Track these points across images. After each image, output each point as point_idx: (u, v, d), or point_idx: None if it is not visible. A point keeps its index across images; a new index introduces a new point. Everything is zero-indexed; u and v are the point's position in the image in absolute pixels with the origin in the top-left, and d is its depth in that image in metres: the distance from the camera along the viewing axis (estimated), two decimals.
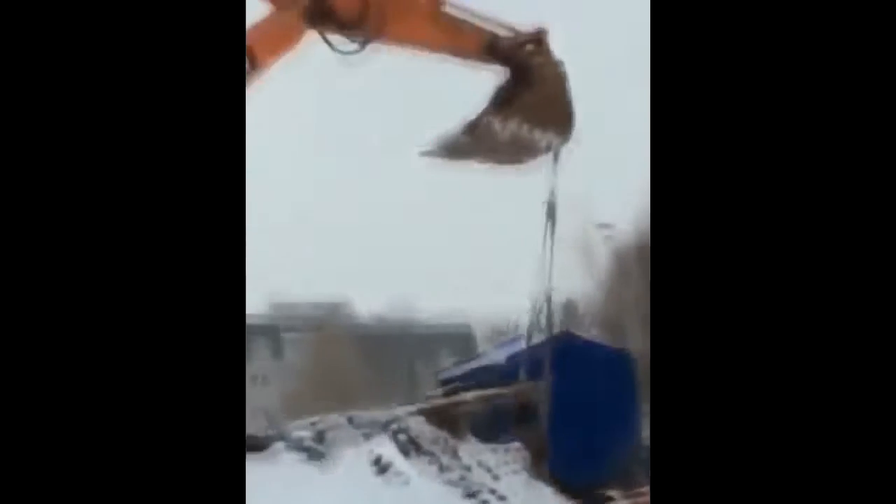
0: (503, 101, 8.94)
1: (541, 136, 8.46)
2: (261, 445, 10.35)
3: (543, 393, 14.33)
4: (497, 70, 9.38)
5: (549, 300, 11.65)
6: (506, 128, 8.23)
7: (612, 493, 13.09)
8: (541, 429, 13.55)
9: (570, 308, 45.94)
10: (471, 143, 8.92)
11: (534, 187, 10.78)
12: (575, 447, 14.08)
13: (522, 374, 14.18)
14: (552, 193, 8.82)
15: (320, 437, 10.68)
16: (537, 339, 20.47)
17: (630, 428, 19.83)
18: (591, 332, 33.60)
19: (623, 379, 22.73)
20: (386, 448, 9.98)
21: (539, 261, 10.48)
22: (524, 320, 12.82)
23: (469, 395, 13.27)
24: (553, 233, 9.30)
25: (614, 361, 21.94)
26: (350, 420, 11.11)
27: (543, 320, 12.18)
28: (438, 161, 10.91)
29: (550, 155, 9.06)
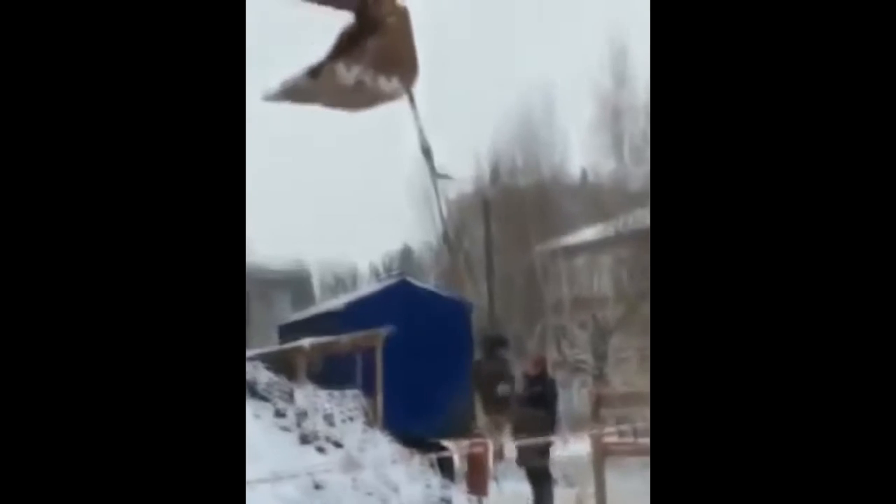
0: (347, 47, 8.87)
1: (385, 83, 8.45)
2: None
3: (380, 340, 14.43)
4: (341, 16, 9.30)
5: (447, 239, 11.71)
6: (350, 72, 8.18)
7: (446, 442, 13.28)
8: (377, 377, 13.65)
9: (408, 257, 46.18)
10: (314, 87, 8.85)
11: (377, 136, 10.81)
12: (411, 395, 14.23)
13: (357, 322, 14.25)
14: (422, 137, 8.84)
15: None
16: (377, 286, 20.50)
17: (465, 377, 20.12)
18: (429, 282, 33.90)
19: (459, 328, 22.98)
20: None
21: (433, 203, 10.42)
22: (363, 267, 12.84)
23: (306, 342, 13.26)
24: (435, 175, 9.32)
25: (451, 310, 22.20)
26: None
27: (397, 266, 12.26)
28: (281, 105, 10.80)
29: (403, 100, 9.07)
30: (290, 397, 10.75)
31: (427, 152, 8.35)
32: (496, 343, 14.14)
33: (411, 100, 7.01)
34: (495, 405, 12.83)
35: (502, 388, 13.63)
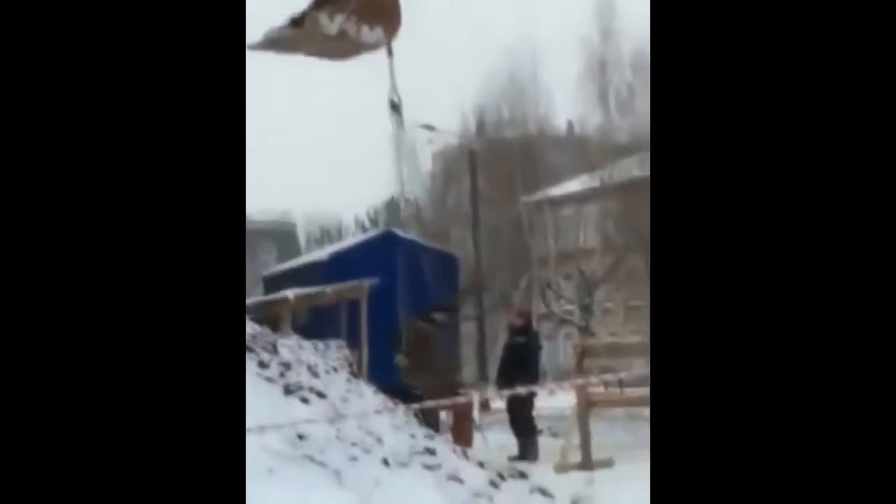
0: None
1: (368, 34, 8.38)
2: None
3: (365, 292, 14.41)
4: None
5: (403, 199, 11.67)
6: (333, 22, 8.08)
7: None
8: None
9: (393, 209, 46.14)
10: (297, 36, 8.78)
11: (364, 86, 10.68)
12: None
13: (341, 274, 14.21)
14: (393, 90, 8.77)
15: None
16: (362, 238, 20.46)
17: (451, 329, 20.11)
18: (413, 234, 33.88)
19: (445, 280, 22.96)
20: None
21: (392, 157, 10.37)
22: (348, 220, 12.82)
23: (291, 293, 13.22)
24: (400, 130, 9.24)
25: (437, 262, 22.16)
26: None
27: (386, 219, 12.27)
28: (264, 55, 10.72)
29: (385, 52, 9.02)
30: (273, 348, 10.72)
31: (395, 106, 8.20)
32: (439, 308, 14.20)
33: (389, 51, 6.88)
34: (417, 352, 12.86)
35: (439, 316, 13.74)
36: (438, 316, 13.82)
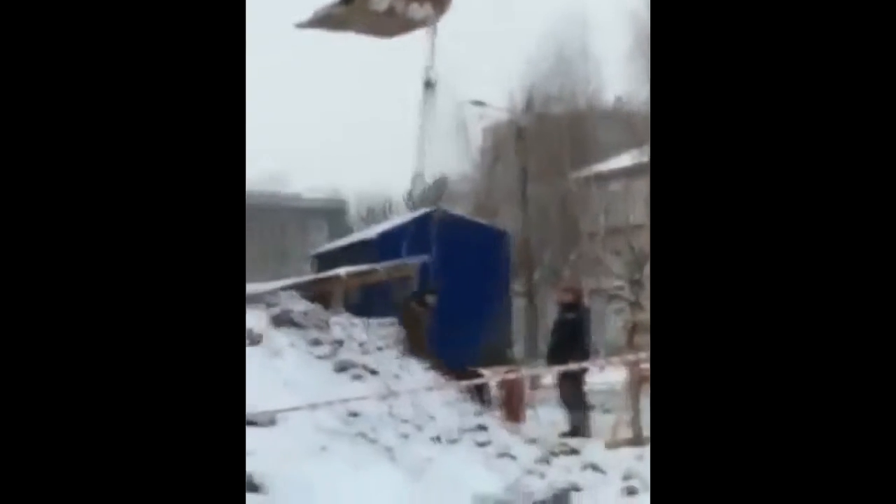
0: None
1: (417, 10, 8.38)
2: None
3: (416, 269, 14.43)
4: None
5: (421, 177, 11.64)
6: None
7: (483, 370, 13.32)
8: (417, 306, 13.66)
9: (442, 185, 46.12)
10: (347, 13, 8.80)
11: (414, 62, 10.70)
12: (446, 323, 14.24)
13: (392, 251, 14.24)
14: (429, 68, 8.77)
15: None
16: (411, 216, 20.50)
17: (502, 306, 20.11)
18: (465, 210, 33.84)
19: (496, 256, 22.95)
20: (258, 321, 9.94)
21: (415, 137, 10.42)
22: (398, 198, 12.83)
23: (342, 271, 13.27)
24: (430, 108, 9.24)
25: (487, 239, 22.14)
26: None
27: (415, 197, 12.21)
28: (315, 32, 10.75)
29: (428, 29, 9.02)
30: (325, 326, 10.78)
31: (429, 84, 8.19)
32: (431, 292, 14.22)
33: (433, 29, 6.87)
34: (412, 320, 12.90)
35: (431, 298, 13.76)
36: (430, 298, 13.84)
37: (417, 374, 10.82)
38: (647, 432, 11.25)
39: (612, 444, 11.18)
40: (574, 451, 10.62)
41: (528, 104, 41.92)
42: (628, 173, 40.86)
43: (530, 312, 34.42)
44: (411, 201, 12.20)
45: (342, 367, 9.76)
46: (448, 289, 15.09)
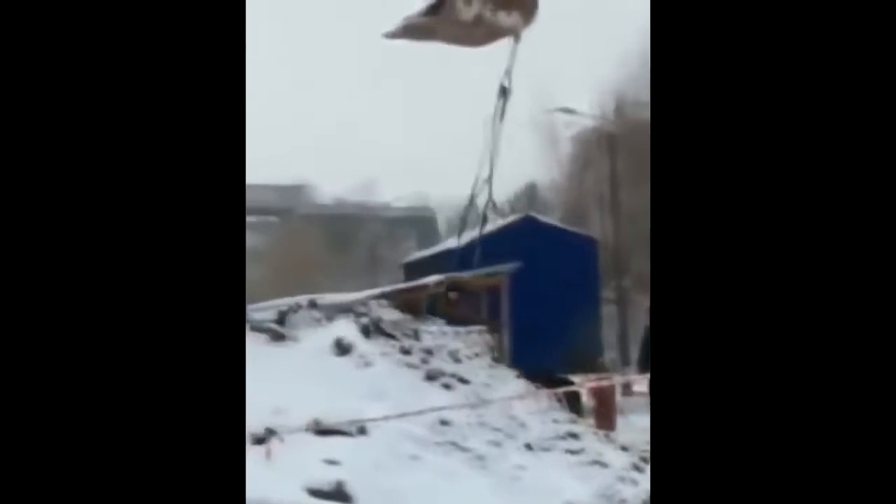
0: None
1: (504, 18, 8.38)
2: None
3: (506, 277, 14.42)
4: None
5: (489, 183, 11.60)
6: (470, 7, 8.10)
7: (574, 377, 13.27)
8: (503, 313, 13.66)
9: (531, 193, 46.03)
10: (434, 23, 8.84)
11: (502, 70, 10.68)
12: (537, 331, 14.22)
13: (482, 259, 14.24)
14: (507, 75, 8.74)
15: (282, 318, 10.68)
16: (500, 223, 20.48)
17: (592, 313, 20.02)
18: (553, 218, 33.75)
19: (586, 264, 22.84)
20: (348, 331, 10.00)
21: (487, 144, 10.37)
22: (483, 207, 12.78)
23: (431, 280, 13.30)
24: (503, 116, 9.19)
25: (577, 246, 22.08)
26: (312, 303, 11.10)
27: (487, 205, 12.16)
28: (402, 43, 10.81)
29: (513, 37, 9.02)
30: (415, 335, 10.81)
31: (504, 91, 8.17)
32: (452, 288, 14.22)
33: (517, 37, 6.88)
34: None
35: (452, 294, 13.71)
36: (452, 295, 13.82)
37: (508, 383, 10.80)
38: None
39: None
40: None
41: (618, 110, 41.71)
42: None
43: (621, 319, 34.17)
44: (486, 209, 12.15)
45: (432, 376, 9.78)
46: (538, 295, 15.08)
